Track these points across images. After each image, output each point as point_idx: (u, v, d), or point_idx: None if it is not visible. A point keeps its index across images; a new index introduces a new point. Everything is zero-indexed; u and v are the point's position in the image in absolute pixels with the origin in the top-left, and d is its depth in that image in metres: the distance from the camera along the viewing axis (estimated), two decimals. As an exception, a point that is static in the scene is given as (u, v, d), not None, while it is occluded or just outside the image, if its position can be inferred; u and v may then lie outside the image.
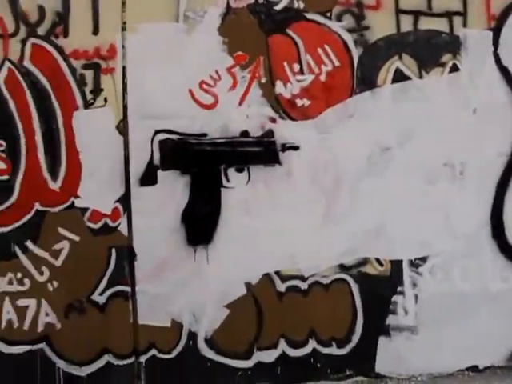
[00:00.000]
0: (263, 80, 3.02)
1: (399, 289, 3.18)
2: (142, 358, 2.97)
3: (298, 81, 3.05)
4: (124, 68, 2.96)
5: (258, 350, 3.05)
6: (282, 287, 3.05)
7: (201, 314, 2.97)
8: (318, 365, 3.12)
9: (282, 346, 3.08)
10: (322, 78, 3.06)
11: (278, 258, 3.02)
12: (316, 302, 3.09)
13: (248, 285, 3.00)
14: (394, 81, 3.12)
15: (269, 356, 3.06)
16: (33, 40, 2.98)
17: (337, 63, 3.08)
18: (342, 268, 3.11)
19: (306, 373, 3.12)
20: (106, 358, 2.95)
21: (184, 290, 2.94)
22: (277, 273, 3.04)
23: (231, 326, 3.00)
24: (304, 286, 3.07)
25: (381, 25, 3.12)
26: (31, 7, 2.97)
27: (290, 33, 3.05)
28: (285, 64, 3.04)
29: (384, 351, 3.16)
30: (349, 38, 3.09)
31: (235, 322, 3.00)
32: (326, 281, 3.09)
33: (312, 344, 3.10)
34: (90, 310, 2.93)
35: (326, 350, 3.11)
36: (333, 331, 3.12)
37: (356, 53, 3.09)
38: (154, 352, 2.97)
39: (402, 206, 3.14)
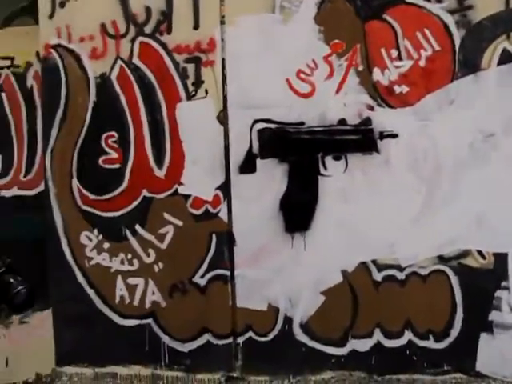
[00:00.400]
0: (360, 67, 2.99)
1: (504, 284, 3.00)
2: (240, 339, 3.09)
3: (396, 67, 2.98)
4: (223, 60, 3.07)
5: (353, 338, 3.05)
6: (378, 276, 3.02)
7: (297, 299, 3.03)
8: (414, 357, 3.05)
9: (377, 335, 3.05)
10: (421, 63, 2.97)
11: (375, 246, 2.99)
12: (413, 292, 3.02)
13: (344, 272, 3.01)
14: (501, 63, 2.95)
15: (363, 345, 3.05)
16: (141, 38, 3.19)
17: (437, 47, 2.96)
18: (441, 259, 3.00)
19: (401, 365, 3.06)
20: (206, 336, 3.12)
21: (281, 275, 3.01)
22: (373, 261, 3.01)
23: (326, 312, 3.02)
24: (401, 275, 3.01)
25: (486, 2, 2.93)
26: (139, 8, 3.19)
27: (388, 18, 2.98)
28: (382, 50, 2.98)
29: (486, 349, 3.00)
30: (450, 20, 2.95)
31: (330, 308, 3.02)
32: (424, 272, 3.01)
33: (408, 335, 3.04)
34: (191, 291, 3.11)
35: (422, 343, 3.03)
36: (430, 324, 3.03)
37: (458, 35, 2.94)
38: (250, 334, 3.08)
39: (507, 195, 2.97)
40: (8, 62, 3.60)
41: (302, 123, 2.98)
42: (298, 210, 2.99)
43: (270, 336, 3.06)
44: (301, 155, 2.99)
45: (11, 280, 1.67)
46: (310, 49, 3.00)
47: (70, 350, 3.31)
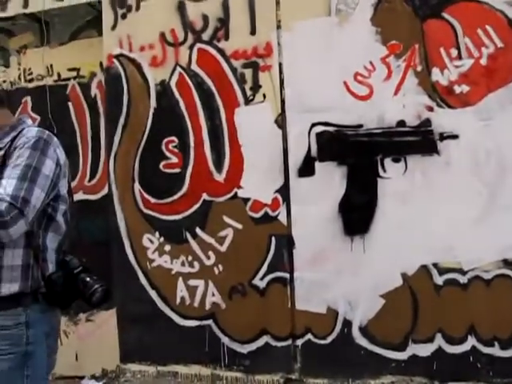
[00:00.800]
0: (419, 68, 2.95)
1: None
2: (299, 342, 3.11)
3: (456, 66, 2.92)
4: (280, 64, 3.12)
5: (413, 342, 3.00)
6: (439, 280, 2.96)
7: (356, 302, 3.01)
8: (478, 365, 2.95)
9: (439, 340, 2.98)
10: (483, 61, 2.89)
11: (436, 249, 2.93)
12: (476, 297, 2.93)
13: (404, 276, 2.97)
14: None
15: (424, 350, 2.99)
16: (198, 45, 3.30)
17: (500, 44, 2.88)
18: (506, 263, 2.90)
19: (465, 371, 2.96)
20: (265, 338, 3.15)
21: (340, 278, 3.01)
22: (434, 265, 2.96)
23: (386, 316, 2.99)
24: (463, 279, 2.94)
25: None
26: (197, 16, 3.29)
27: (447, 16, 2.93)
28: (441, 50, 2.93)
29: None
30: (515, 14, 2.87)
31: (390, 312, 2.98)
32: (487, 276, 2.91)
33: (471, 341, 2.94)
34: (251, 293, 3.16)
35: (487, 350, 2.92)
36: (495, 330, 2.92)
37: (523, 30, 2.86)
38: (309, 336, 3.09)
39: None
40: (74, 73, 3.80)
41: (361, 126, 2.97)
42: (357, 213, 2.98)
43: (329, 339, 3.05)
44: (359, 158, 2.98)
45: (87, 279, 1.71)
46: (367, 51, 2.99)
47: (133, 348, 3.43)
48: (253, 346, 3.17)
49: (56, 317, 1.76)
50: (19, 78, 3.97)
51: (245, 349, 3.19)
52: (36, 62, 3.89)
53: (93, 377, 3.65)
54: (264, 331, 3.15)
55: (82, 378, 3.65)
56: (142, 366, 3.43)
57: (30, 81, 3.94)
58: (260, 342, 3.16)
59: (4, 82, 3.95)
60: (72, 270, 1.70)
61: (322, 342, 3.07)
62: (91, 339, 3.71)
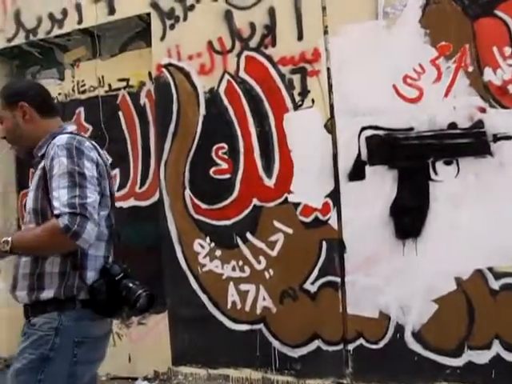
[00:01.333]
0: (470, 68, 2.89)
1: None
2: (350, 346, 3.09)
3: (510, 65, 2.84)
4: (328, 69, 3.12)
5: (469, 348, 2.92)
6: (495, 284, 2.87)
7: (409, 307, 2.97)
8: (539, 373, 2.87)
9: (497, 347, 2.88)
10: (539, 59, 2.82)
11: (491, 253, 2.85)
12: (535, 303, 2.85)
13: (458, 280, 2.90)
14: None
15: (481, 357, 2.90)
16: (246, 53, 3.35)
17: (557, 40, 2.80)
18: None
19: (525, 380, 2.89)
20: (316, 342, 3.15)
21: (392, 282, 2.97)
22: (490, 269, 2.87)
23: (440, 321, 2.93)
24: (521, 284, 2.87)
25: None
26: (244, 24, 3.34)
27: (500, 14, 2.85)
28: (494, 49, 2.85)
29: None
30: None
31: (444, 317, 2.92)
32: (547, 280, 2.84)
33: (531, 350, 2.85)
34: (302, 298, 3.16)
35: (550, 359, 2.82)
36: (557, 338, 2.83)
37: None
38: (361, 341, 3.06)
39: None
40: (124, 84, 3.92)
41: (411, 129, 2.94)
42: (408, 216, 2.94)
43: (381, 344, 3.02)
44: (410, 161, 2.94)
45: (130, 285, 1.70)
46: (416, 53, 2.96)
47: (184, 350, 3.50)
48: (304, 351, 3.17)
49: (94, 326, 1.72)
50: (73, 90, 4.13)
51: (296, 353, 3.19)
52: (88, 74, 4.05)
53: (145, 378, 3.74)
54: (315, 335, 3.14)
55: (135, 379, 3.74)
56: (194, 368, 3.49)
57: (83, 92, 4.09)
58: (311, 347, 3.16)
59: (59, 94, 4.12)
60: (113, 276, 1.70)
61: (374, 346, 3.04)
62: (143, 342, 3.80)
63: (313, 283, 3.12)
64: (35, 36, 4.08)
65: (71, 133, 1.78)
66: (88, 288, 1.67)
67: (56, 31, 3.98)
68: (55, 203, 1.59)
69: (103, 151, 1.91)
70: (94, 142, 1.83)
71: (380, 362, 3.05)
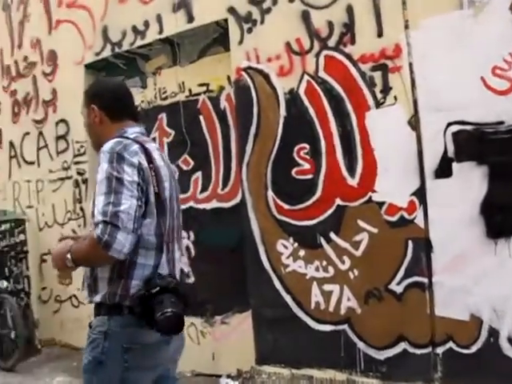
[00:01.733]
0: None
1: None
2: (439, 350, 2.97)
3: None
4: (410, 64, 3.03)
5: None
6: None
7: (503, 310, 2.80)
8: None
9: None
10: None
11: None
12: None
13: (558, 282, 2.73)
14: None
15: None
16: (325, 52, 3.33)
17: None
18: None
19: None
20: (403, 345, 3.06)
21: (484, 283, 2.83)
22: None
23: (538, 325, 2.77)
24: None
25: None
26: (322, 24, 3.32)
27: None
28: None
29: None
30: None
31: (543, 321, 2.76)
32: None
33: None
34: (387, 298, 3.09)
35: None
36: None
37: None
38: (451, 345, 2.94)
39: None
40: (204, 88, 4.05)
41: (502, 122, 2.78)
42: (501, 214, 2.79)
43: (473, 348, 2.87)
44: (501, 156, 2.79)
45: (164, 301, 1.59)
46: (506, 42, 2.79)
47: (268, 350, 3.54)
48: (390, 353, 3.10)
49: (143, 333, 1.65)
50: (155, 97, 4.33)
51: (381, 355, 3.13)
52: (169, 80, 4.22)
53: (228, 376, 3.82)
54: (401, 337, 3.06)
55: (219, 376, 3.84)
56: (277, 368, 3.51)
57: (165, 98, 4.27)
58: (398, 349, 3.08)
59: (142, 101, 4.32)
60: (150, 289, 1.63)
61: (466, 351, 2.90)
62: (227, 340, 3.89)
63: (398, 284, 3.04)
64: (120, 48, 4.32)
65: (121, 136, 1.75)
66: (130, 297, 1.65)
67: (139, 42, 4.20)
68: (95, 211, 1.61)
69: (163, 153, 1.87)
70: (150, 145, 1.79)
71: (472, 368, 2.89)
